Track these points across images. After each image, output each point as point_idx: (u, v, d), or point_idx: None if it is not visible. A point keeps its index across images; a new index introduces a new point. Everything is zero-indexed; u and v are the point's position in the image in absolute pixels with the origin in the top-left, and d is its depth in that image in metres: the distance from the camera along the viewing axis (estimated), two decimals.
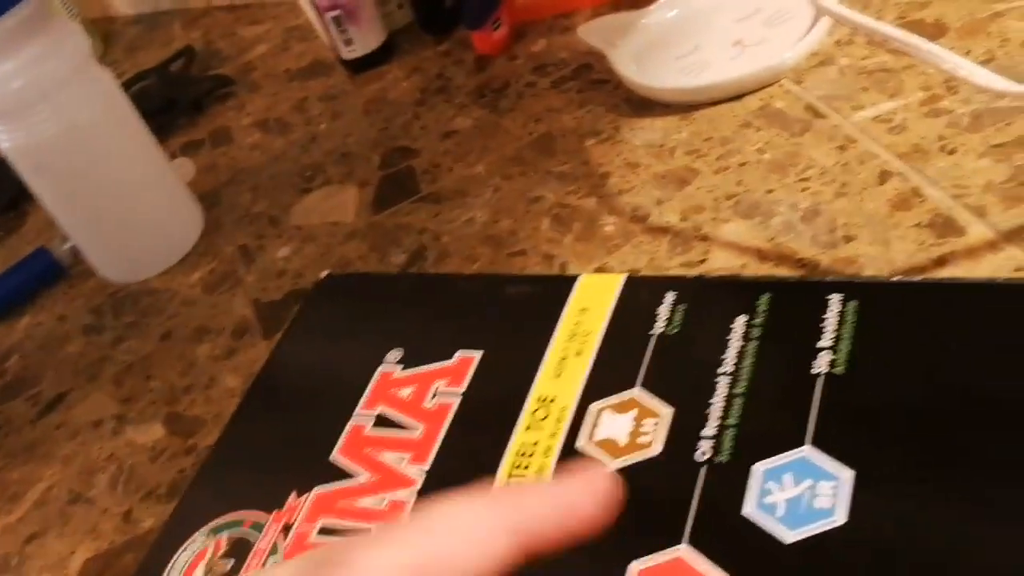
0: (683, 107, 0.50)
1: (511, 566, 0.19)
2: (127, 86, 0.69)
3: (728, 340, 0.27)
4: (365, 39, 0.62)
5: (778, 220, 0.45)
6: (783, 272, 0.38)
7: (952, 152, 0.45)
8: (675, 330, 0.27)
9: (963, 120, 0.45)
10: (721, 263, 0.41)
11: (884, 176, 0.45)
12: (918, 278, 0.29)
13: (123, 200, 0.50)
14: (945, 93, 0.46)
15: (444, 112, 0.57)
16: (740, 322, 0.27)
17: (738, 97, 0.49)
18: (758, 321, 0.27)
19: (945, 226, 0.43)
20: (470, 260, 0.45)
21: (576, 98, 0.54)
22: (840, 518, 0.22)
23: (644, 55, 0.51)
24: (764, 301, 0.27)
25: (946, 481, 0.22)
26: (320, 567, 0.18)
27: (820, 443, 0.24)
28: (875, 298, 0.26)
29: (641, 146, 0.49)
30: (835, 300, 0.26)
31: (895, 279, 0.27)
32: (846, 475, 0.23)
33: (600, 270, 0.42)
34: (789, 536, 0.22)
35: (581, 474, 0.23)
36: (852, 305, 0.26)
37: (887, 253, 0.38)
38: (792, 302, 0.27)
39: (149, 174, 0.51)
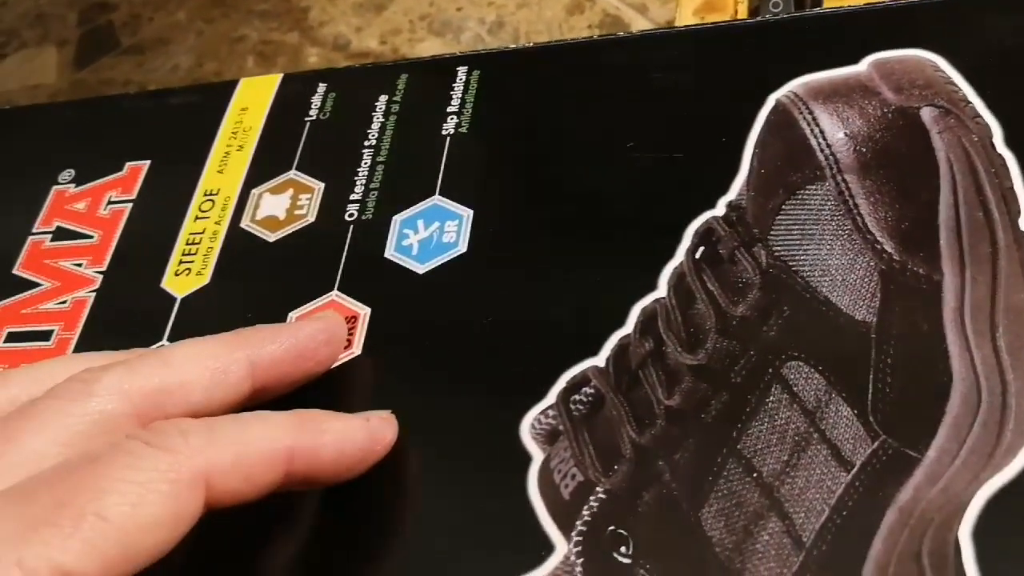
0: None
1: (246, 395, 0.22)
2: None
3: (372, 117, 0.29)
4: None
5: (468, 35, 0.48)
6: None
7: None
8: (326, 116, 0.30)
9: None
10: None
11: None
12: (530, 44, 0.33)
13: None
14: None
15: None
16: (383, 100, 0.30)
17: None
18: (397, 98, 0.30)
19: (614, 24, 0.48)
20: None
21: None
22: (462, 248, 0.26)
23: None
24: (403, 80, 0.30)
25: (547, 211, 0.26)
26: (62, 384, 0.20)
27: (446, 192, 0.27)
28: (495, 66, 0.30)
29: None
30: (462, 71, 0.30)
31: (511, 47, 0.31)
32: (467, 214, 0.27)
33: None
34: (421, 268, 0.26)
35: (313, 317, 0.25)
36: (476, 74, 0.30)
37: None
38: (427, 79, 0.30)
39: None
